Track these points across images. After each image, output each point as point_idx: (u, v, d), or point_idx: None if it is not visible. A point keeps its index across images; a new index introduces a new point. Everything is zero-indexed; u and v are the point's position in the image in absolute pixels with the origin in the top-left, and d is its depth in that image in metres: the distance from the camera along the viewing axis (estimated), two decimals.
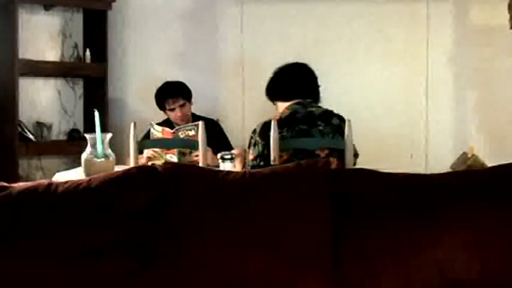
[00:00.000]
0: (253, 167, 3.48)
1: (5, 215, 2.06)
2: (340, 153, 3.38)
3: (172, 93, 4.28)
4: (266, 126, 3.39)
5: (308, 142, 3.46)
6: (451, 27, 4.72)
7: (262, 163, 3.46)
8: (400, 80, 4.74)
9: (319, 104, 3.68)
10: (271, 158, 3.25)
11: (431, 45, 4.65)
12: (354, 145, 3.46)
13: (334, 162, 3.36)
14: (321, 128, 3.50)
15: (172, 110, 4.27)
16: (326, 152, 3.44)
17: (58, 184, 2.13)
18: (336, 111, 3.60)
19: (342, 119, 3.53)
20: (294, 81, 3.69)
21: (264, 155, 3.46)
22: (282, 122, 3.47)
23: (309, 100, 3.62)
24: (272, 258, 1.98)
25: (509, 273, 1.98)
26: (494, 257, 1.99)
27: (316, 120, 3.53)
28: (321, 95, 3.74)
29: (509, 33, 4.30)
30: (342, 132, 3.42)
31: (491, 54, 4.67)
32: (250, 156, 3.55)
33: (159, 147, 3.73)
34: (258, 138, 3.53)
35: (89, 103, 4.76)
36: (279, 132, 3.35)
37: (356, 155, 3.59)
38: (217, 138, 4.19)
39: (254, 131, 3.59)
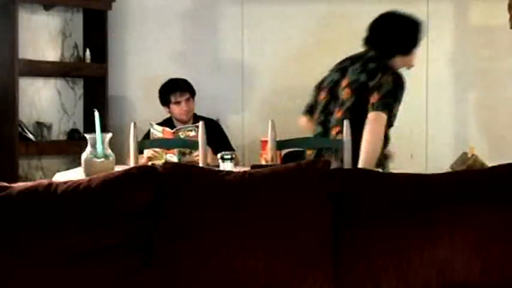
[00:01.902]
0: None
1: (5, 215, 2.07)
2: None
3: (179, 87, 4.32)
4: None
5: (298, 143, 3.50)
6: (451, 27, 4.72)
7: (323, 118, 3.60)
8: None
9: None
10: (268, 157, 3.24)
11: (431, 45, 4.65)
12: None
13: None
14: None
15: (178, 103, 4.28)
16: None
17: (58, 184, 2.13)
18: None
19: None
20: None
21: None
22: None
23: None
24: (272, 258, 1.98)
25: (509, 273, 1.98)
26: (494, 257, 1.98)
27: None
28: None
29: (509, 33, 4.31)
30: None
31: (491, 54, 4.67)
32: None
33: (159, 147, 3.73)
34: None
35: (89, 103, 4.76)
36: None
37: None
38: (217, 138, 4.19)
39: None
